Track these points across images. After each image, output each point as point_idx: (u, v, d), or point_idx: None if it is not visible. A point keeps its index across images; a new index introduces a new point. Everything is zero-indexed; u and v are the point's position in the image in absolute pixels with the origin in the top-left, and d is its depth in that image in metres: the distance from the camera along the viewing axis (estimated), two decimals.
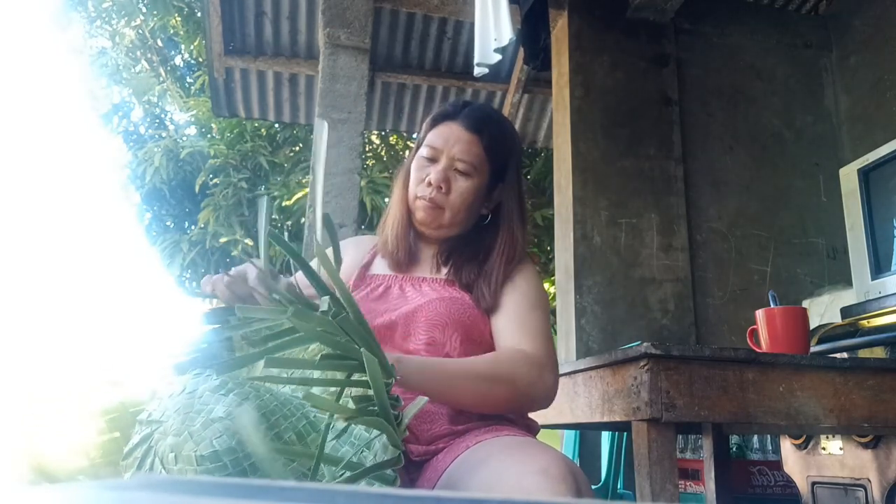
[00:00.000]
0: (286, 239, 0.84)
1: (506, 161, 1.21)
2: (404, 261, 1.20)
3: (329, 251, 0.77)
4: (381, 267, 1.23)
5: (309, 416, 0.78)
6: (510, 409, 1.07)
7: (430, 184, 1.15)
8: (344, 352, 0.71)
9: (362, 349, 0.71)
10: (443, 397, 0.99)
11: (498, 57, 2.62)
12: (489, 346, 1.12)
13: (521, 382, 1.02)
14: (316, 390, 0.80)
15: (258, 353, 0.73)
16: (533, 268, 1.20)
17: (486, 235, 1.21)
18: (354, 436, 0.80)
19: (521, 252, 1.19)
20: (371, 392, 0.70)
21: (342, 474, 0.71)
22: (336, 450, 0.79)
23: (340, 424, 0.76)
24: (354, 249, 1.27)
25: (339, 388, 0.75)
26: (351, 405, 0.72)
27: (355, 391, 0.73)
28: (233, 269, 0.97)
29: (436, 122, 1.20)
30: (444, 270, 1.19)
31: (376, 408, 0.70)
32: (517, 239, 1.18)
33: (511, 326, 1.10)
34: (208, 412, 0.74)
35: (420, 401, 0.76)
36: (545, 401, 1.07)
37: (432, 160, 1.17)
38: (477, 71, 2.68)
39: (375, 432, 0.75)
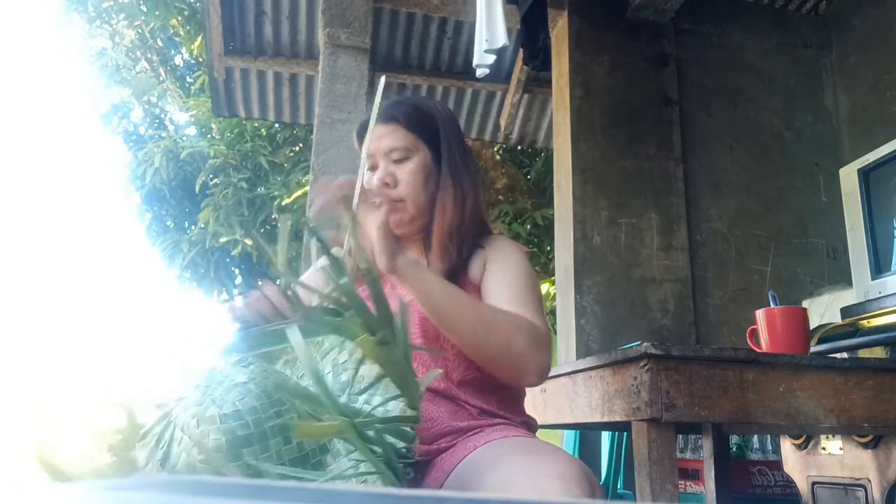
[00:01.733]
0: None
1: (433, 131, 1.20)
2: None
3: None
4: None
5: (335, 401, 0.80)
6: (497, 366, 1.04)
7: (377, 185, 1.16)
8: (368, 319, 0.73)
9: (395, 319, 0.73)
10: (441, 317, 1.00)
11: (492, 57, 2.63)
12: None
13: (518, 346, 1.01)
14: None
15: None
16: (519, 253, 1.19)
17: None
18: (369, 401, 0.82)
19: (469, 216, 1.17)
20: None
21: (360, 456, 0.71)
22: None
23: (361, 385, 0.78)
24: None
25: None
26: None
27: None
28: (250, 295, 0.97)
29: (360, 137, 1.22)
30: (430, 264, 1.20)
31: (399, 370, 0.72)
32: (446, 203, 1.16)
33: (507, 304, 1.08)
34: (231, 379, 0.76)
35: (434, 372, 0.77)
36: (534, 376, 1.05)
37: (374, 168, 1.18)
38: (479, 73, 2.69)
39: (391, 396, 0.76)
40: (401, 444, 0.73)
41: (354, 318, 0.71)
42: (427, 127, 1.20)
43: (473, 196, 1.19)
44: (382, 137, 1.17)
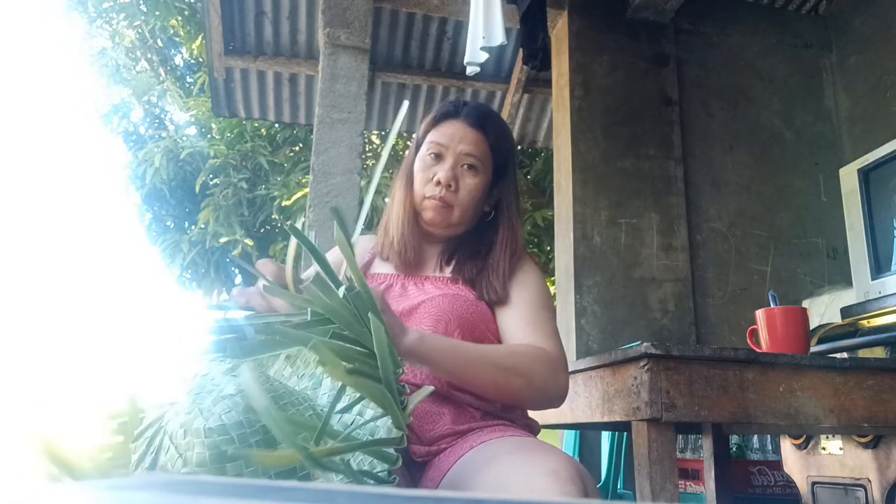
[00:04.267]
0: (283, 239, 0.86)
1: (506, 157, 1.23)
2: (413, 261, 1.20)
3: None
4: (380, 267, 1.23)
5: (316, 409, 0.79)
6: (523, 402, 1.08)
7: (438, 182, 1.15)
8: (357, 336, 0.72)
9: (373, 328, 0.72)
10: (460, 379, 1.00)
11: (485, 55, 2.62)
12: (492, 343, 1.12)
13: (538, 379, 1.02)
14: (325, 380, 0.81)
15: (278, 341, 0.74)
16: (536, 268, 1.21)
17: (488, 231, 1.21)
18: (362, 412, 0.81)
19: (521, 245, 1.20)
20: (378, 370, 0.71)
21: (345, 467, 0.71)
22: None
23: (345, 403, 0.77)
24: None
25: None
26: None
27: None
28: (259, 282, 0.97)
29: (438, 121, 1.20)
30: (448, 269, 1.19)
31: (382, 386, 0.71)
32: (518, 232, 1.20)
33: (524, 325, 1.10)
34: (219, 391, 0.75)
35: (426, 389, 0.76)
36: (558, 400, 1.08)
37: (438, 158, 1.17)
38: (469, 70, 2.69)
39: (380, 414, 0.76)
40: (379, 468, 0.72)
41: (322, 348, 0.69)
42: (502, 151, 1.21)
43: (520, 231, 1.22)
44: (465, 139, 1.16)
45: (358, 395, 0.79)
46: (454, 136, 1.17)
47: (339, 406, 0.81)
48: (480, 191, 1.18)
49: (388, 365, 0.71)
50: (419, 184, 1.18)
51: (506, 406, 1.12)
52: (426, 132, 1.21)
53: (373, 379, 0.70)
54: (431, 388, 0.78)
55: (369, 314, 0.74)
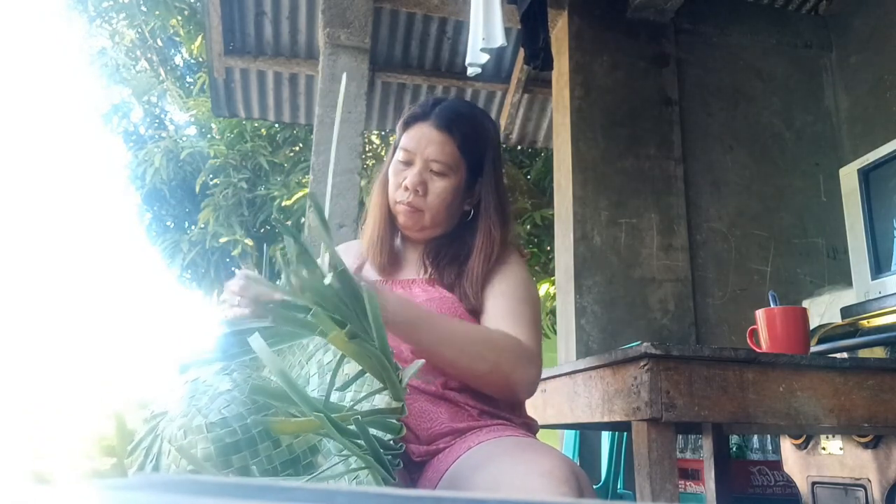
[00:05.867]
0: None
1: (482, 155, 1.20)
2: (387, 265, 1.21)
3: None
4: (369, 272, 1.23)
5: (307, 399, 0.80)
6: (487, 387, 1.06)
7: (406, 188, 1.15)
8: (345, 319, 0.73)
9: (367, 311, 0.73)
10: (426, 348, 1.00)
11: (486, 56, 2.62)
12: None
13: (506, 366, 1.02)
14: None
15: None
16: (520, 261, 1.20)
17: (470, 232, 1.20)
18: (356, 397, 0.82)
19: (501, 247, 1.18)
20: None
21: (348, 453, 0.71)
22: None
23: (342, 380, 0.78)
24: (345, 255, 1.26)
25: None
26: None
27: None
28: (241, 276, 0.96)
29: (407, 125, 1.20)
30: (431, 271, 1.19)
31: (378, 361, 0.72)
32: (495, 236, 1.17)
33: (500, 317, 1.10)
34: (214, 389, 0.76)
35: (417, 363, 0.77)
36: (524, 393, 1.08)
37: (407, 164, 1.17)
38: (470, 71, 2.69)
39: (376, 390, 0.76)
40: (387, 437, 0.73)
41: (322, 315, 0.70)
42: (475, 151, 1.19)
43: (502, 232, 1.19)
44: (431, 143, 1.15)
45: (349, 378, 0.80)
46: (421, 140, 1.16)
47: (333, 392, 0.81)
48: (451, 194, 1.16)
49: (383, 338, 0.72)
50: (392, 188, 1.19)
51: (504, 404, 1.12)
52: (399, 136, 1.21)
53: (370, 352, 0.71)
54: (422, 361, 0.80)
55: (363, 291, 0.74)
